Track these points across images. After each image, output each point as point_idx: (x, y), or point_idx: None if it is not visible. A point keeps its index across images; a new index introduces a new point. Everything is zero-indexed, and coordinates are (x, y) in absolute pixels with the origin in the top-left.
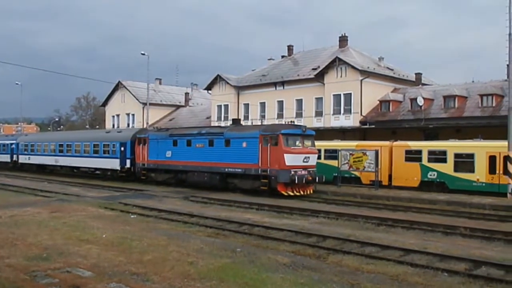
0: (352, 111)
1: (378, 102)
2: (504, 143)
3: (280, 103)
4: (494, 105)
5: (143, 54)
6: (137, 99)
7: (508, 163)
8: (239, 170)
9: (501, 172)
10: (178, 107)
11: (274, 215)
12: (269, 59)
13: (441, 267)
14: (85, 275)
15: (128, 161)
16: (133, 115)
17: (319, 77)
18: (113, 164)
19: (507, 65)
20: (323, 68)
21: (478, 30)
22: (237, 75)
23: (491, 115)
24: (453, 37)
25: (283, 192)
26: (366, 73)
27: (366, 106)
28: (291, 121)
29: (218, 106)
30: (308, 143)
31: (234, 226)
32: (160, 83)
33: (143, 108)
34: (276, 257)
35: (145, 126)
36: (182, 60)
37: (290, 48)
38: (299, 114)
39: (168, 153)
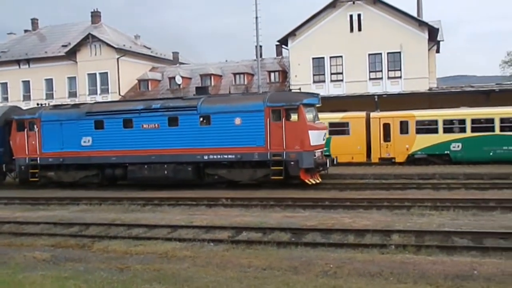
0: (109, 90)
1: (136, 81)
2: None
3: (26, 84)
4: (246, 82)
5: None
6: None
7: None
8: (229, 156)
9: None
10: None
11: (28, 208)
12: (9, 34)
13: (207, 238)
14: None
15: None
16: None
17: (71, 54)
18: None
19: (255, 46)
20: (75, 45)
21: (234, 14)
22: None
23: (243, 92)
24: (212, 19)
25: (307, 181)
26: (123, 51)
27: (124, 85)
28: (295, 89)
29: None
30: (317, 116)
31: None
32: None
33: None
34: (34, 254)
35: None
36: None
37: (35, 22)
38: (49, 95)
39: (86, 140)
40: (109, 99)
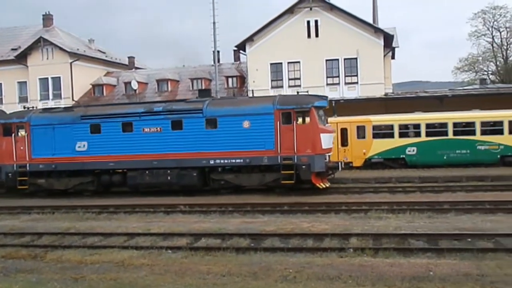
0: (62, 96)
1: (91, 86)
2: None
3: None
4: (203, 88)
5: None
6: None
7: None
8: (237, 161)
9: None
10: None
11: None
12: None
13: (165, 246)
14: None
15: None
16: None
17: (21, 58)
18: None
19: (213, 52)
20: (26, 48)
21: (192, 18)
22: None
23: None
24: (168, 23)
25: (318, 185)
26: (76, 56)
27: (78, 90)
28: (301, 91)
29: None
30: (326, 119)
31: None
32: None
33: None
34: None
35: None
36: None
37: None
38: None
39: (81, 145)
40: (62, 105)
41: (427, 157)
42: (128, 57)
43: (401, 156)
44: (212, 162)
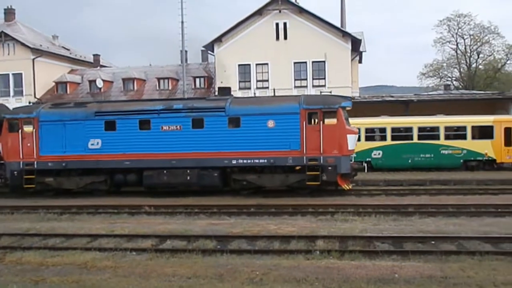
0: (24, 93)
1: (54, 83)
2: None
3: None
4: (170, 88)
5: None
6: None
7: None
8: (261, 161)
9: None
10: None
11: None
12: None
13: (129, 247)
14: None
15: None
16: None
17: None
18: None
19: (181, 51)
20: None
21: (161, 16)
22: None
23: (168, 98)
24: (139, 21)
25: (343, 186)
26: (39, 52)
27: (40, 87)
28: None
29: None
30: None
31: None
32: None
33: None
34: None
35: None
36: None
37: None
38: None
39: (94, 143)
40: (24, 102)
41: (392, 161)
42: (94, 55)
43: (367, 159)
44: (234, 162)
